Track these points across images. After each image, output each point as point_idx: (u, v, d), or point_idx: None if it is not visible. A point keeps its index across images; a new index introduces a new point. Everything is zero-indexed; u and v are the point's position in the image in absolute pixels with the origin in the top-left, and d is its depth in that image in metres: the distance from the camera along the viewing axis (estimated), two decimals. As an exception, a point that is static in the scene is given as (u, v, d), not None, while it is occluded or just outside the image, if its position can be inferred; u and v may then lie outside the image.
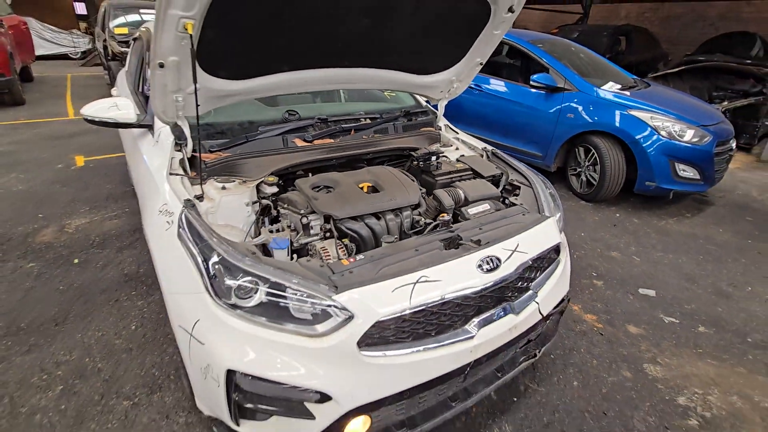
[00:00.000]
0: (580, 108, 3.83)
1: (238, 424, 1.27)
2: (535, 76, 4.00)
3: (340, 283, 1.20)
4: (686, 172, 3.58)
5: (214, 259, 1.22)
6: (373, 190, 1.70)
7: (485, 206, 1.76)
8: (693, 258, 3.06)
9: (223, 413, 1.27)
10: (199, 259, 1.25)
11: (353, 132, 2.06)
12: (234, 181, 1.67)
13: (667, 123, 3.53)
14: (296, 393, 1.15)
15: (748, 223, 3.70)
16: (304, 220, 1.52)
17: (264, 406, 1.20)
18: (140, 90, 2.60)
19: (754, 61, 6.27)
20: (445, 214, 1.68)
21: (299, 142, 1.88)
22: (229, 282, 1.19)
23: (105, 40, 7.81)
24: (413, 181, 1.80)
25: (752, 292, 2.69)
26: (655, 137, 3.52)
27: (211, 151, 1.72)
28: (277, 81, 1.73)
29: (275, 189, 1.67)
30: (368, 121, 2.19)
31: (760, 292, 2.69)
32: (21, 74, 7.87)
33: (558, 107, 3.97)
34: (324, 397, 1.16)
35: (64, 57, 13.72)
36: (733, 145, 3.90)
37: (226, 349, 1.17)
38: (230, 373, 1.17)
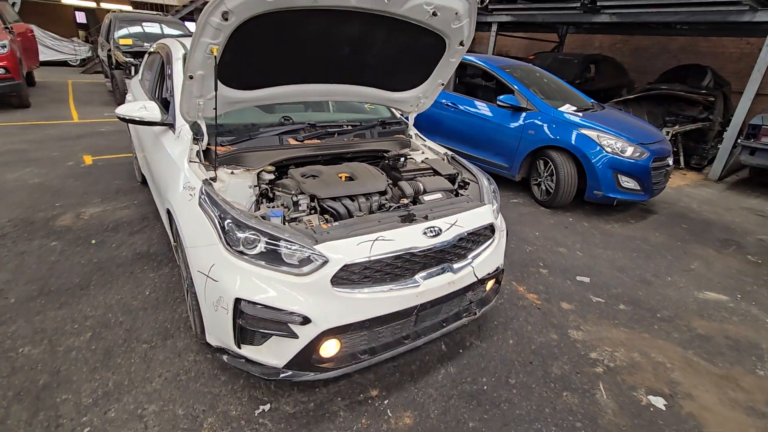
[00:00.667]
0: (540, 126, 4.38)
1: (240, 348, 1.70)
2: (501, 97, 4.56)
3: (320, 238, 1.65)
4: (628, 183, 4.13)
5: (228, 219, 1.67)
6: (349, 179, 2.17)
7: (438, 195, 2.23)
8: (627, 255, 3.57)
9: (229, 339, 1.69)
10: (216, 219, 1.69)
11: (336, 135, 2.53)
12: (240, 169, 2.12)
13: (611, 140, 4.10)
14: (285, 316, 1.59)
15: (683, 229, 4.25)
16: (294, 199, 1.98)
17: (260, 329, 1.63)
18: (158, 96, 3.05)
19: (705, 90, 6.97)
20: (405, 199, 2.16)
21: (292, 141, 2.34)
22: (239, 235, 1.63)
23: (110, 50, 8.26)
24: (382, 174, 2.28)
25: (671, 281, 3.19)
26: (602, 153, 4.07)
27: (222, 145, 2.17)
28: (276, 92, 2.21)
29: (272, 176, 2.12)
30: (350, 127, 2.67)
31: (677, 281, 3.20)
32: (26, 79, 8.24)
33: (521, 124, 4.52)
34: (305, 320, 1.59)
35: (63, 64, 14.10)
36: (670, 161, 4.48)
37: (235, 283, 1.60)
38: (237, 302, 1.60)
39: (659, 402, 2.04)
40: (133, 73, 7.74)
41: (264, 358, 1.69)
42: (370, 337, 1.78)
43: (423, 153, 2.81)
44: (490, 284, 2.22)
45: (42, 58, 12.26)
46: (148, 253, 2.96)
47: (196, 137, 2.16)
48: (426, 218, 1.90)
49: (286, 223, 1.88)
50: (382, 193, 2.18)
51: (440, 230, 1.85)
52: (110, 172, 4.49)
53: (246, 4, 1.61)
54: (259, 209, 2.02)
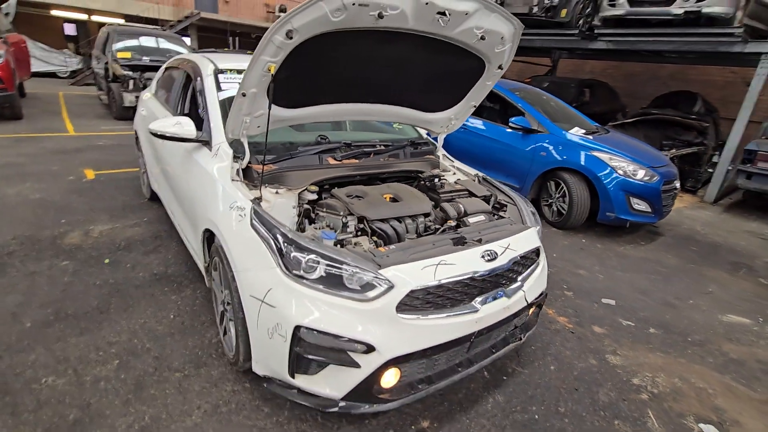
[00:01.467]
0: (551, 148, 4.45)
1: (293, 377, 1.60)
2: (513, 119, 4.63)
3: (382, 262, 1.59)
4: (640, 205, 4.20)
5: (286, 241, 1.60)
6: (394, 200, 2.13)
7: (481, 217, 2.21)
8: (646, 277, 3.60)
9: (282, 368, 1.59)
10: (272, 242, 1.61)
11: (372, 155, 2.49)
12: (282, 188, 2.06)
13: (623, 163, 4.18)
14: (348, 344, 1.51)
15: (692, 251, 4.32)
16: (344, 220, 1.92)
17: (320, 357, 1.54)
18: (181, 111, 2.97)
19: (696, 116, 7.25)
20: (451, 221, 2.12)
21: (331, 161, 2.29)
22: (299, 258, 1.56)
23: (107, 63, 8.13)
24: (425, 195, 2.24)
25: (693, 304, 3.21)
26: (614, 175, 4.14)
27: (263, 164, 2.11)
28: (319, 111, 2.18)
29: (315, 196, 2.07)
30: (383, 147, 2.64)
31: (700, 304, 3.22)
32: (18, 90, 8.02)
33: (532, 146, 4.58)
34: (369, 348, 1.51)
35: (51, 75, 13.83)
36: (677, 184, 4.59)
37: (295, 309, 1.52)
38: (297, 329, 1.51)
39: (711, 430, 2.01)
40: (131, 86, 7.63)
41: (320, 389, 1.60)
42: (427, 366, 1.71)
43: (454, 174, 2.79)
44: (532, 308, 2.18)
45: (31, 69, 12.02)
46: (166, 274, 2.83)
47: (237, 155, 2.09)
48: (480, 241, 1.86)
49: (337, 245, 1.82)
50: (426, 215, 2.14)
51: (496, 254, 1.82)
52: (114, 188, 4.33)
53: (311, 24, 1.58)
54: (303, 230, 1.95)
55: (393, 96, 2.38)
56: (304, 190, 2.09)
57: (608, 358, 2.46)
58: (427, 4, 1.71)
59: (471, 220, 2.16)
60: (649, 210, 4.23)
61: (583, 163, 4.24)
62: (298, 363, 1.58)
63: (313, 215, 2.05)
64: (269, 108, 1.81)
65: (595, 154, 4.24)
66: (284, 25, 1.55)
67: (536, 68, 12.10)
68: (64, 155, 5.32)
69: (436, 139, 2.93)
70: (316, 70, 1.90)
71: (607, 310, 2.98)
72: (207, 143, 2.28)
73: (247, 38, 19.22)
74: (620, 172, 4.14)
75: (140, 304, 2.47)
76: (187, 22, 14.53)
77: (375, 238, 1.92)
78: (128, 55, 8.11)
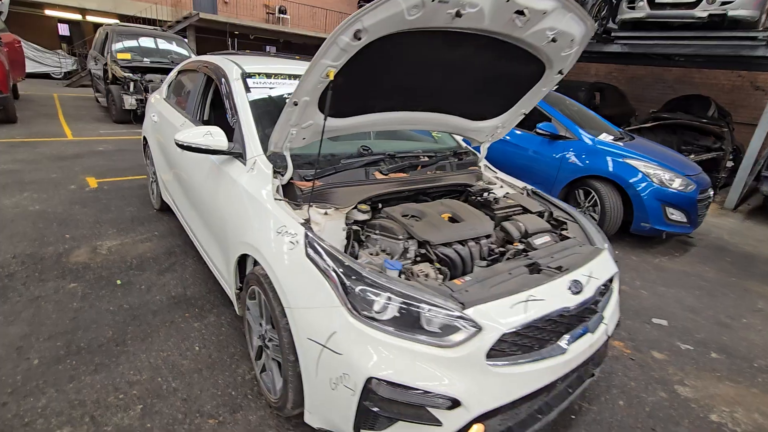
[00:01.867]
0: (580, 155, 4.25)
1: (357, 434, 1.36)
2: (540, 125, 4.43)
3: (464, 299, 1.36)
4: (675, 215, 4.01)
5: (352, 275, 1.36)
6: (452, 220, 1.90)
7: (547, 238, 1.98)
8: (690, 293, 3.40)
9: (346, 423, 1.36)
10: (335, 276, 1.38)
11: (420, 167, 2.27)
12: (330, 207, 1.82)
13: (658, 171, 3.99)
14: (429, 399, 1.28)
15: (728, 263, 4.14)
16: (404, 245, 1.69)
17: (393, 413, 1.30)
18: (200, 118, 2.73)
19: (710, 120, 7.12)
20: (517, 244, 1.90)
21: (378, 175, 2.06)
22: (370, 297, 1.32)
23: (105, 64, 7.83)
24: (485, 214, 2.02)
25: (748, 324, 3.02)
26: (648, 184, 3.95)
27: (306, 180, 1.87)
28: (366, 120, 1.95)
29: (366, 216, 1.83)
30: (427, 158, 2.41)
31: (754, 324, 3.03)
32: (12, 92, 7.69)
33: (560, 153, 4.38)
34: (454, 404, 1.28)
35: (44, 76, 13.46)
36: (711, 193, 4.41)
37: (367, 358, 1.29)
38: (368, 381, 1.28)
39: (811, 477, 1.80)
40: (132, 89, 7.34)
41: (389, 448, 1.37)
42: (509, 417, 1.48)
43: (501, 187, 2.58)
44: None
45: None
46: (185, 296, 2.58)
47: (277, 170, 1.85)
48: (560, 269, 1.64)
49: (401, 276, 1.59)
50: (487, 236, 1.92)
51: (582, 285, 1.60)
52: (120, 198, 4.06)
53: (383, 23, 1.36)
54: (356, 256, 1.71)
55: (443, 103, 2.16)
56: (353, 209, 1.85)
57: (677, 389, 2.25)
58: (507, 1, 1.49)
59: (537, 241, 1.94)
60: (685, 220, 4.05)
61: (615, 171, 4.04)
62: (365, 418, 1.34)
63: (362, 237, 1.82)
64: (324, 118, 1.57)
65: (629, 161, 4.04)
66: (353, 24, 1.32)
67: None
68: (63, 161, 5.03)
69: (477, 148, 2.71)
70: (372, 76, 1.68)
71: (661, 332, 2.78)
72: (240, 156, 2.04)
73: (245, 40, 18.94)
74: (655, 180, 3.95)
75: (160, 334, 2.22)
76: (186, 23, 14.21)
77: (438, 266, 1.69)
78: (128, 56, 7.82)
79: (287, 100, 1.57)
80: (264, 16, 18.13)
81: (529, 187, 2.56)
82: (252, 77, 2.37)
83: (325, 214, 1.77)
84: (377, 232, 1.78)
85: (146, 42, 8.47)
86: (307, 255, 1.46)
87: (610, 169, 4.07)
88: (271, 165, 1.86)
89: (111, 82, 7.63)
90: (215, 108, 2.86)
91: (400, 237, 1.71)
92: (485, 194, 2.29)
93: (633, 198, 3.98)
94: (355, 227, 1.81)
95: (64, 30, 17.87)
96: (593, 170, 4.15)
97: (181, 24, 14.13)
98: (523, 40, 1.79)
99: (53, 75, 13.53)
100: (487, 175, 2.66)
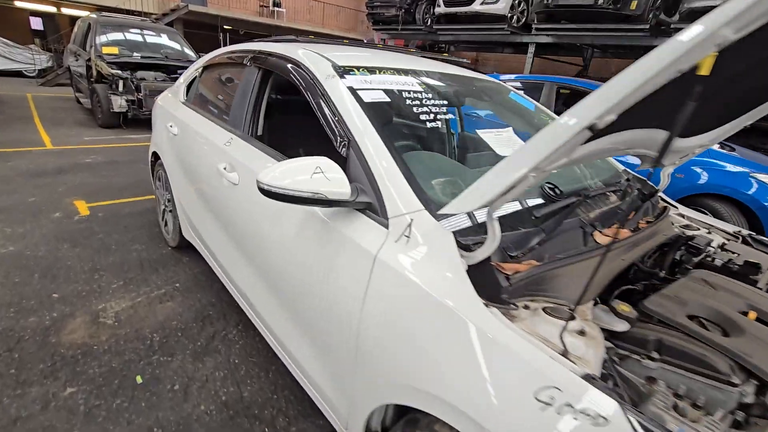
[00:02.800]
0: (694, 168, 3.51)
1: None
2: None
3: None
4: (810, 241, 3.31)
5: None
6: (760, 321, 1.09)
7: None
8: None
9: None
10: None
11: (631, 215, 1.47)
12: (550, 301, 1.00)
13: (791, 189, 3.28)
14: None
15: None
16: (742, 392, 0.87)
17: None
18: (253, 132, 1.87)
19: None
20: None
21: (600, 238, 1.24)
22: None
23: (89, 60, 6.79)
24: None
25: None
26: (782, 205, 3.24)
27: (512, 257, 1.04)
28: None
29: (627, 326, 1.01)
30: (615, 197, 1.61)
31: None
32: (-23, 92, 6.61)
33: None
34: None
35: (17, 74, 12.20)
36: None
37: None
38: None
39: None
40: (121, 88, 6.36)
41: None
42: None
43: (709, 232, 1.79)
44: None
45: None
46: (241, 401, 1.72)
47: (466, 243, 1.02)
48: None
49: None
50: None
51: None
52: (121, 230, 3.14)
53: None
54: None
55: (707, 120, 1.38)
56: (594, 308, 1.03)
57: None
58: None
59: None
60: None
61: (744, 190, 3.31)
62: None
63: (616, 357, 1.00)
64: (671, 138, 0.76)
65: (759, 176, 3.32)
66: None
67: (556, 66, 11.31)
68: (42, 179, 4.05)
69: (653, 176, 1.92)
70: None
71: None
72: (370, 209, 1.19)
73: (235, 35, 17.83)
74: (790, 200, 3.24)
75: (222, 490, 1.36)
76: (174, 16, 13.08)
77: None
78: (116, 50, 6.80)
79: (558, 120, 0.74)
80: (257, 10, 17.04)
81: (744, 231, 1.78)
82: (351, 73, 1.52)
83: (580, 333, 0.93)
84: (658, 357, 0.96)
85: (135, 35, 7.45)
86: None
87: (733, 185, 3.34)
88: (450, 233, 1.02)
89: (96, 80, 6.61)
90: (271, 116, 2.02)
91: (728, 377, 0.90)
92: (717, 250, 1.52)
93: (765, 221, 3.26)
94: (622, 350, 0.98)
95: (36, 24, 16.44)
96: (710, 188, 3.42)
97: (168, 17, 13.00)
98: None
99: (26, 73, 12.27)
100: (672, 214, 1.88)
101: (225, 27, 16.29)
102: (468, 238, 1.04)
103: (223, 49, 2.40)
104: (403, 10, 9.92)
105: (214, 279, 2.51)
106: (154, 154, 2.89)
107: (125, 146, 5.72)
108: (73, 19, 10.13)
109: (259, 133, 1.91)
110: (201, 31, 15.62)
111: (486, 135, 1.55)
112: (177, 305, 2.31)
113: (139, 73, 6.62)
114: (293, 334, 1.46)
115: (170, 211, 2.81)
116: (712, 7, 0.62)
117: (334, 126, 1.36)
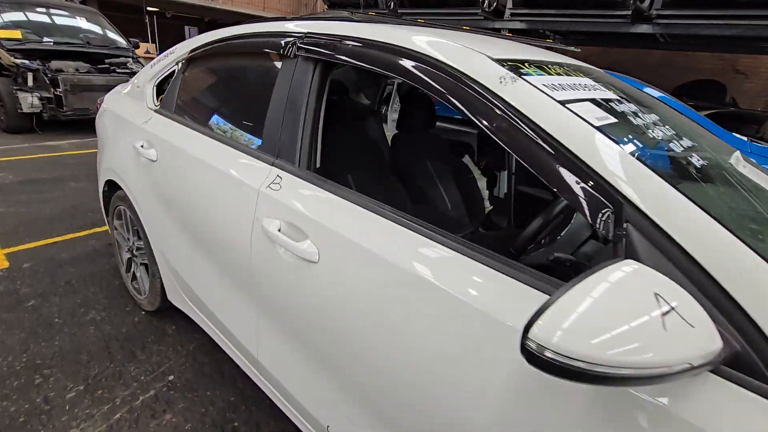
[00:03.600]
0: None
1: None
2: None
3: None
4: None
5: None
6: None
7: None
8: None
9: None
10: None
11: None
12: None
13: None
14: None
15: None
16: None
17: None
18: (314, 165, 1.16)
19: (722, 107, 6.75)
20: None
21: None
22: None
23: (-19, 47, 5.33)
24: None
25: None
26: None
27: None
28: None
29: None
30: None
31: None
32: None
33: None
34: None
35: None
36: None
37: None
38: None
39: None
40: (30, 82, 5.06)
41: None
42: None
43: None
44: None
45: None
46: None
47: None
48: None
49: None
50: None
51: None
52: (61, 288, 2.23)
53: None
54: None
55: None
56: None
57: None
58: None
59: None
60: None
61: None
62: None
63: None
64: None
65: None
66: None
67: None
68: (-71, 215, 2.92)
69: None
70: None
71: None
72: (741, 366, 0.57)
73: (161, 18, 15.81)
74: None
75: None
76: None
77: None
78: (18, 34, 5.41)
79: None
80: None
81: None
82: (526, 74, 0.89)
83: None
84: None
85: (43, 15, 6.01)
86: None
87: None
88: None
89: (-6, 73, 5.22)
90: (327, 137, 1.33)
91: None
92: None
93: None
94: None
95: None
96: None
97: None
98: None
99: None
100: None
101: (149, 9, 14.33)
102: None
103: (223, 31, 1.59)
104: (363, -9, 9.12)
105: (220, 357, 1.76)
106: (107, 183, 2.03)
107: (45, 157, 4.51)
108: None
109: (310, 161, 1.20)
110: (120, 14, 13.56)
111: (746, 170, 1.00)
112: (180, 417, 1.54)
113: (54, 64, 5.32)
114: None
115: (143, 264, 1.98)
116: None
117: (555, 173, 0.72)
